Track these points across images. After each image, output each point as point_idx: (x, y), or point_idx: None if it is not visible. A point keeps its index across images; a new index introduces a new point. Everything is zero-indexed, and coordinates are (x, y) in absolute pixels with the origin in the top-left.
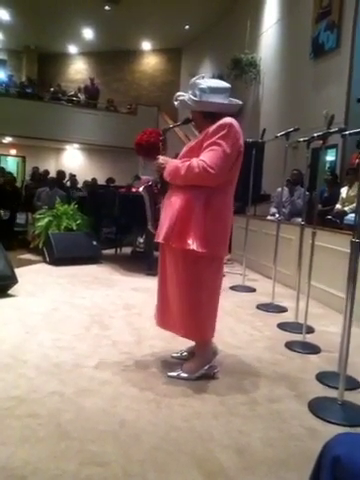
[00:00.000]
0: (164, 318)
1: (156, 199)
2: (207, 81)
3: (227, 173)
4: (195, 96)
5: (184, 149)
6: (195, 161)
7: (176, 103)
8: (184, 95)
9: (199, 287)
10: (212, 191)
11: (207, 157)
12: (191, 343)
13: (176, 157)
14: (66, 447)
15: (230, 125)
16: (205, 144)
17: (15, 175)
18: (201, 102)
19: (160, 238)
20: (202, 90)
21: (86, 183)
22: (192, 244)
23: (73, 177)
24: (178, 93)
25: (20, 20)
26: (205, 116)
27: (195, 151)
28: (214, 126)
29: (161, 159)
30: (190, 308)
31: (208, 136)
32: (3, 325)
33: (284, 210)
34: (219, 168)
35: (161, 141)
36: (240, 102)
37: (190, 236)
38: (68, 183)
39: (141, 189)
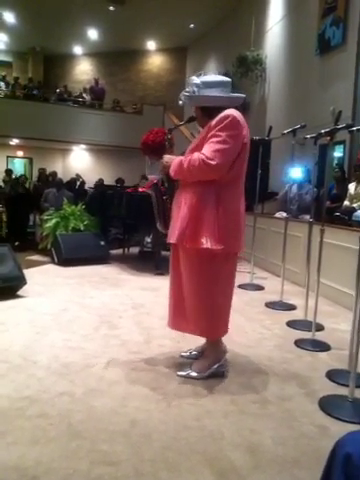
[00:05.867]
0: (177, 319)
1: (164, 198)
2: (202, 77)
3: (230, 164)
4: (192, 92)
5: (189, 146)
6: (196, 155)
7: (180, 102)
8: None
9: (214, 285)
10: (221, 187)
11: (206, 149)
12: (200, 342)
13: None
14: (77, 447)
15: (230, 116)
16: (207, 137)
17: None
18: (195, 97)
19: (173, 239)
20: (196, 85)
21: (95, 184)
22: (206, 243)
23: (82, 182)
24: (184, 91)
25: (25, 22)
26: (204, 111)
27: (199, 147)
28: (215, 120)
29: (166, 158)
30: (205, 306)
31: (210, 130)
32: (14, 326)
33: (292, 207)
34: (219, 158)
35: (167, 140)
36: (241, 95)
37: (203, 235)
38: (78, 182)
39: (150, 191)
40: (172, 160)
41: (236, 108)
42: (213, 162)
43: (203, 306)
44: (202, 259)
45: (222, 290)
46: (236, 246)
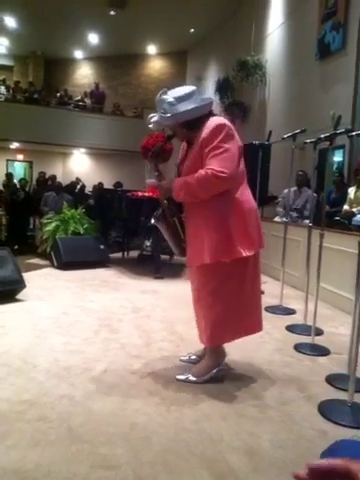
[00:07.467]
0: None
1: (171, 220)
2: (172, 92)
3: (236, 170)
4: (166, 112)
5: (185, 164)
6: (203, 171)
7: (151, 126)
8: (156, 115)
9: (224, 292)
10: (232, 191)
11: (213, 163)
12: (200, 346)
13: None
14: (77, 450)
15: (222, 125)
16: (206, 151)
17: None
18: (174, 115)
19: (207, 260)
20: (170, 103)
21: (95, 188)
22: (244, 251)
23: (82, 186)
24: (150, 115)
25: (26, 26)
26: (185, 126)
27: (197, 162)
28: (206, 131)
29: (164, 183)
30: (209, 314)
31: (205, 142)
32: (14, 329)
33: (291, 212)
34: (229, 169)
35: (156, 168)
36: (210, 98)
37: (237, 244)
38: (78, 186)
39: (153, 222)
40: (172, 183)
41: (224, 111)
42: (224, 174)
43: (209, 313)
44: (211, 269)
45: (228, 295)
46: (260, 242)
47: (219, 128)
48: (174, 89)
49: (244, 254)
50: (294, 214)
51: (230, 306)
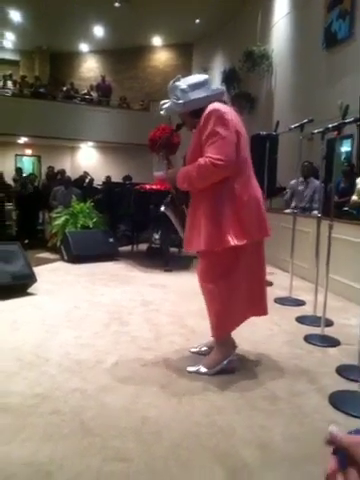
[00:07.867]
0: None
1: (182, 208)
2: (185, 80)
3: (234, 155)
4: (178, 99)
5: (188, 151)
6: (202, 160)
7: (162, 112)
8: (168, 102)
9: (217, 280)
10: (229, 180)
11: (210, 151)
12: (210, 338)
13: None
14: (89, 444)
15: (215, 110)
16: (203, 138)
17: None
18: (186, 102)
19: (202, 246)
20: (183, 91)
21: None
22: (232, 240)
23: (91, 180)
24: (162, 101)
25: (32, 21)
26: (195, 114)
27: (197, 150)
28: (202, 120)
29: (169, 173)
30: (214, 304)
31: (202, 129)
32: (25, 324)
33: (299, 203)
34: (226, 155)
35: (166, 159)
36: (222, 88)
37: (227, 232)
38: (87, 180)
39: (162, 209)
40: (175, 173)
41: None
42: (222, 162)
43: (212, 304)
44: (208, 256)
45: (225, 285)
46: (259, 233)
47: (211, 114)
48: (187, 77)
49: (232, 243)
50: (302, 203)
51: (231, 295)
